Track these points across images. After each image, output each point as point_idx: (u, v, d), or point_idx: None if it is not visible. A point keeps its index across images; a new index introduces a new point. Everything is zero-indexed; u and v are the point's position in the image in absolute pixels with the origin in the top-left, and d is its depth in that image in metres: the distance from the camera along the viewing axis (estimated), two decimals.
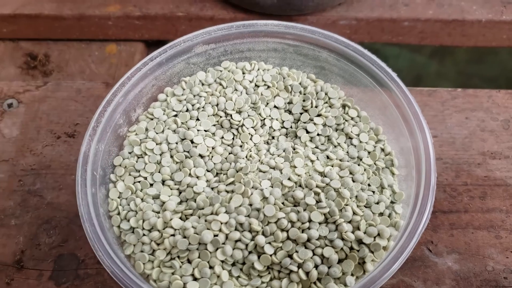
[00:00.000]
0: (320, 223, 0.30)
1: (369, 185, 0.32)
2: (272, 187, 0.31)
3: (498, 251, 0.35)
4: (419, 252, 0.35)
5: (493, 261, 0.34)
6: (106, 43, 0.50)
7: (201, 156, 0.34)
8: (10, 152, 0.40)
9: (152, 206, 0.31)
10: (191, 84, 0.36)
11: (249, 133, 0.35)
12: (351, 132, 0.35)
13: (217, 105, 0.35)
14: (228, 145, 0.35)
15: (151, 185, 0.33)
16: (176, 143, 0.34)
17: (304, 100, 0.36)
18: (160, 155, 0.33)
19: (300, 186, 0.31)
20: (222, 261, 0.29)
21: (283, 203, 0.30)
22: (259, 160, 0.33)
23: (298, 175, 0.32)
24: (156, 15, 0.48)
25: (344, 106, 0.36)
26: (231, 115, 0.35)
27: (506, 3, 0.49)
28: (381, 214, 0.31)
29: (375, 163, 0.34)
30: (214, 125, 0.35)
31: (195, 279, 0.29)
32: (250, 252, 0.29)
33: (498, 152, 0.39)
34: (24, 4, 0.49)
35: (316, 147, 0.35)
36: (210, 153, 0.34)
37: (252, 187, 0.31)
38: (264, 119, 0.36)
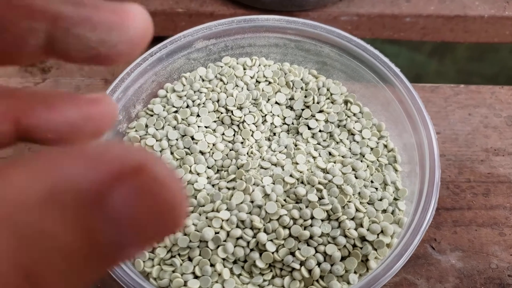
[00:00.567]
0: (322, 220, 0.29)
1: (372, 181, 0.32)
2: (273, 183, 0.31)
3: (502, 248, 0.34)
4: (422, 249, 0.34)
5: (497, 258, 0.34)
6: None
7: (201, 152, 0.33)
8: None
9: None
10: (191, 80, 0.36)
11: (250, 130, 0.34)
12: (354, 128, 0.34)
13: (217, 101, 0.35)
14: (229, 142, 0.34)
15: None
16: (177, 140, 0.33)
17: (305, 96, 0.36)
18: (160, 151, 0.33)
19: (302, 182, 0.31)
20: (223, 259, 0.29)
21: (285, 200, 0.30)
22: (261, 157, 0.33)
23: (300, 172, 0.31)
24: (155, 11, 0.48)
25: (346, 102, 0.36)
26: (232, 111, 0.35)
27: None
28: (384, 211, 0.31)
29: (378, 160, 0.33)
30: (215, 121, 0.35)
31: (196, 277, 0.29)
32: (251, 250, 0.29)
33: (502, 148, 0.39)
34: None
35: (318, 144, 0.34)
36: (211, 149, 0.33)
37: (254, 184, 0.30)
38: (266, 115, 0.35)
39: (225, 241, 0.29)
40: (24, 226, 0.09)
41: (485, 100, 0.41)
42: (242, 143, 0.34)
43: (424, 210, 0.29)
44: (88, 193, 0.09)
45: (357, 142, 0.34)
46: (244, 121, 0.34)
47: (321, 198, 0.30)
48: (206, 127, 0.34)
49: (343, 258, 0.29)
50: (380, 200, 0.31)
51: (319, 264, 0.29)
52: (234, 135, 0.35)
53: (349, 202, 0.30)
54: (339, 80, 0.37)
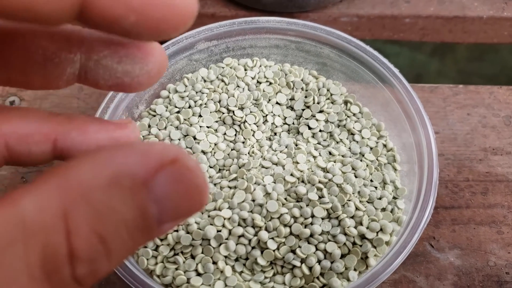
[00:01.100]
0: (322, 219, 0.30)
1: (371, 180, 0.32)
2: (274, 182, 0.31)
3: (500, 246, 0.35)
4: (421, 247, 0.35)
5: (495, 256, 0.34)
6: None
7: (203, 152, 0.34)
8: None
9: None
10: (193, 80, 0.37)
11: (251, 129, 0.35)
12: (353, 128, 0.35)
13: (219, 101, 0.35)
14: (231, 141, 0.35)
15: None
16: (179, 140, 0.34)
17: (306, 97, 0.36)
18: None
19: (302, 181, 0.31)
20: (226, 257, 0.29)
21: (285, 199, 0.31)
22: (262, 156, 0.33)
23: (301, 171, 0.32)
24: None
25: (346, 102, 0.36)
26: (233, 112, 0.35)
27: (508, 0, 0.49)
28: (383, 209, 0.31)
29: (377, 159, 0.34)
30: (217, 121, 0.35)
31: (198, 274, 0.29)
32: (253, 248, 0.29)
33: (500, 148, 0.39)
34: None
35: (319, 143, 0.35)
36: (213, 149, 0.34)
37: (255, 183, 0.31)
38: (266, 115, 0.36)
39: (227, 239, 0.29)
40: (97, 202, 0.12)
41: (484, 100, 0.42)
42: (243, 142, 0.35)
43: (422, 208, 0.29)
44: (140, 178, 0.12)
45: (357, 141, 0.35)
46: (245, 121, 0.35)
47: (321, 196, 0.30)
48: (208, 127, 0.35)
49: (343, 256, 0.29)
50: (380, 198, 0.31)
51: (319, 261, 0.29)
52: (235, 135, 0.35)
53: (349, 200, 0.30)
54: (339, 81, 0.37)
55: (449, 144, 0.40)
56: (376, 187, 0.32)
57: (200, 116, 0.35)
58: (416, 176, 0.31)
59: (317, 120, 0.35)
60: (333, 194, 0.30)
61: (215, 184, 0.32)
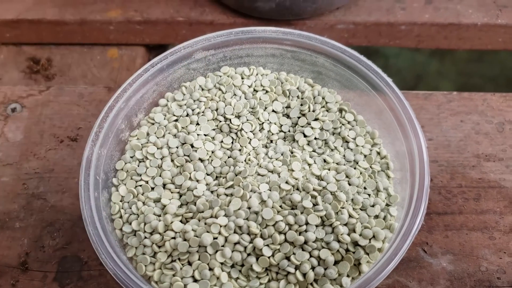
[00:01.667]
0: (316, 226, 0.30)
1: (365, 188, 0.33)
2: (270, 190, 0.32)
3: (492, 252, 0.35)
4: (414, 253, 0.35)
5: (487, 261, 0.35)
6: (107, 47, 0.50)
7: (201, 160, 0.34)
8: (14, 156, 0.41)
9: (153, 209, 0.32)
10: (191, 89, 0.37)
11: (247, 137, 0.35)
12: (348, 135, 0.36)
13: (216, 109, 0.36)
14: (228, 149, 0.35)
15: (152, 188, 0.34)
16: (177, 148, 0.35)
17: (301, 105, 0.37)
18: (161, 159, 0.34)
19: (297, 189, 0.32)
20: (222, 263, 0.30)
21: (280, 206, 0.31)
22: (258, 164, 0.34)
23: (296, 179, 0.32)
24: (156, 20, 0.49)
25: (341, 110, 0.37)
26: (230, 120, 0.36)
27: (502, 7, 0.49)
28: (376, 216, 0.32)
29: (371, 167, 0.34)
30: (214, 129, 0.36)
31: (195, 280, 0.30)
32: (248, 254, 0.30)
33: (493, 154, 0.40)
34: (27, 10, 0.50)
35: (314, 151, 0.36)
36: (210, 157, 0.35)
37: (251, 191, 0.32)
38: (263, 123, 0.36)
39: (223, 246, 0.30)
40: None
41: (477, 107, 0.42)
42: (240, 150, 0.35)
43: (414, 215, 0.30)
44: None
45: (351, 149, 0.35)
46: (242, 129, 0.36)
47: (315, 204, 0.31)
48: (205, 135, 0.35)
49: (336, 262, 0.30)
50: (373, 206, 0.32)
51: (313, 268, 0.30)
52: (232, 142, 0.36)
53: (343, 208, 0.31)
54: (334, 89, 0.38)
55: (442, 150, 0.40)
56: (369, 195, 0.33)
57: (197, 124, 0.36)
58: (408, 184, 0.32)
59: (312, 127, 0.36)
60: (327, 202, 0.31)
61: (212, 192, 0.33)
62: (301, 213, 0.31)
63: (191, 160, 0.34)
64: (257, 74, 0.38)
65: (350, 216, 0.31)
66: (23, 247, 0.36)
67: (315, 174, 0.33)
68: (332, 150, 0.35)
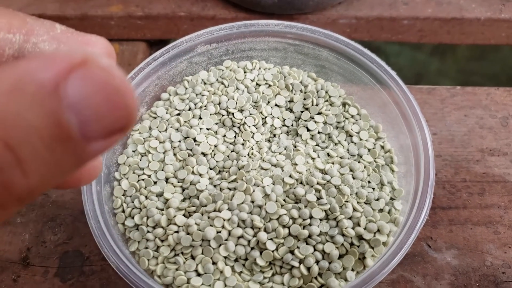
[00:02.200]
0: (321, 220, 0.30)
1: (369, 182, 0.33)
2: (273, 184, 0.32)
3: (497, 246, 0.35)
4: (419, 247, 0.35)
5: (492, 256, 0.35)
6: None
7: (203, 154, 0.34)
8: None
9: (156, 203, 0.32)
10: (193, 83, 0.37)
11: (250, 131, 0.35)
12: (351, 130, 0.35)
13: (219, 103, 0.36)
14: (230, 143, 0.35)
15: (155, 183, 0.33)
16: (179, 142, 0.34)
17: (304, 99, 0.37)
18: (164, 153, 0.34)
19: (301, 183, 0.32)
20: (225, 257, 0.30)
21: (284, 200, 0.31)
22: (261, 158, 0.34)
23: (299, 173, 0.32)
24: (158, 15, 0.49)
25: (344, 104, 0.37)
26: (233, 114, 0.36)
27: (505, 1, 0.49)
28: (381, 210, 0.32)
29: (375, 161, 0.34)
30: (216, 123, 0.36)
31: (198, 274, 0.30)
32: (252, 248, 0.30)
33: (497, 149, 0.40)
34: (28, 5, 0.49)
35: (317, 145, 0.35)
36: (213, 151, 0.34)
37: (254, 185, 0.31)
38: (266, 117, 0.36)
39: (226, 240, 0.30)
40: None
41: (481, 102, 0.42)
42: (242, 144, 0.35)
43: (419, 209, 0.30)
44: (47, 83, 0.11)
45: (355, 143, 0.35)
46: (244, 123, 0.35)
47: (319, 198, 0.31)
48: (208, 129, 0.35)
49: (340, 256, 0.30)
50: (377, 200, 0.32)
51: (317, 262, 0.30)
52: (235, 136, 0.35)
53: (347, 202, 0.31)
54: (337, 83, 0.38)
55: (446, 145, 0.40)
56: (373, 188, 0.33)
57: (200, 118, 0.35)
58: (413, 178, 0.32)
59: (315, 122, 0.36)
60: (331, 196, 0.31)
61: (215, 186, 0.33)
62: (305, 206, 0.30)
63: (194, 154, 0.34)
64: (259, 68, 0.38)
65: (355, 209, 0.31)
66: (24, 242, 0.36)
67: (319, 168, 0.33)
68: (335, 144, 0.35)
